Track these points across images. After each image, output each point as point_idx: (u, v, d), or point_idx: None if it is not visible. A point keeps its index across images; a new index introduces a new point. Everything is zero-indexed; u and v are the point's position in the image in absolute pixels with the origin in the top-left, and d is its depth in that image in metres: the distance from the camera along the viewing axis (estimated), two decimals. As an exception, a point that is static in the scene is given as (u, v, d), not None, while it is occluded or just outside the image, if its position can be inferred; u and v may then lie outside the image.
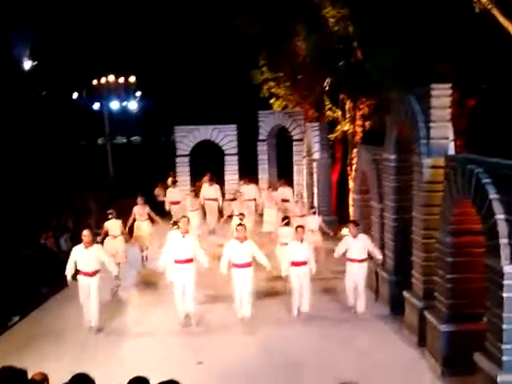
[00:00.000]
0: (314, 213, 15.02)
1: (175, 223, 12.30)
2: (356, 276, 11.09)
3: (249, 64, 22.12)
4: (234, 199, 18.04)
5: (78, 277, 10.62)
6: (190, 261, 10.86)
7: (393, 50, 12.15)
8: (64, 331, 10.65)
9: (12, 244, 14.20)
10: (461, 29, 12.22)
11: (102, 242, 13.65)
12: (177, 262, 10.84)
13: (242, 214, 14.28)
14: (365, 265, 11.20)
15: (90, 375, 4.67)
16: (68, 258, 10.96)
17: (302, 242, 11.08)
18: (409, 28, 12.23)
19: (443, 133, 9.32)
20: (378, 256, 11.27)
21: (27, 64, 35.92)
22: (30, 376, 5.90)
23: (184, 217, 11.59)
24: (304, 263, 10.99)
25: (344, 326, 10.57)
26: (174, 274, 10.95)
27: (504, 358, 6.77)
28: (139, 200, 15.55)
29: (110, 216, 13.98)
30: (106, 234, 13.94)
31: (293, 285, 11.08)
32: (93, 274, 10.56)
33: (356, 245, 11.05)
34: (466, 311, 8.29)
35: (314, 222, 14.51)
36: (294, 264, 10.98)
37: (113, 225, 13.90)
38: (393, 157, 10.90)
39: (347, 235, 11.68)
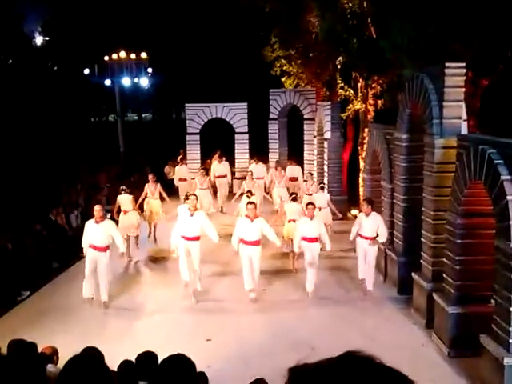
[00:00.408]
0: (323, 188, 14.98)
1: (187, 197, 12.35)
2: (366, 253, 11.06)
3: (261, 41, 21.91)
4: (243, 178, 18.03)
5: (88, 250, 10.69)
6: (196, 238, 10.95)
7: (407, 26, 11.94)
8: (74, 306, 10.73)
9: (24, 219, 14.29)
10: (477, 7, 11.99)
11: (115, 217, 13.79)
12: (184, 238, 10.92)
13: (250, 192, 14.27)
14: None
15: (99, 349, 4.70)
16: (78, 234, 11.06)
17: (312, 219, 11.06)
18: (424, 4, 12.01)
19: (456, 112, 9.20)
20: (383, 238, 11.06)
21: (39, 40, 35.84)
22: (39, 350, 5.98)
23: (193, 195, 11.61)
24: (315, 239, 10.99)
25: (353, 306, 10.57)
26: (180, 249, 11.02)
27: (511, 340, 6.75)
28: (150, 177, 15.58)
29: (122, 191, 14.06)
30: (119, 210, 14.03)
31: (306, 260, 11.09)
32: (102, 249, 10.61)
33: (368, 223, 10.99)
34: (474, 293, 8.26)
35: (323, 198, 14.49)
36: (306, 240, 10.99)
37: (125, 200, 13.98)
38: (404, 136, 10.79)
39: (360, 213, 11.63)
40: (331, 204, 14.67)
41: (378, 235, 10.97)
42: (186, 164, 20.75)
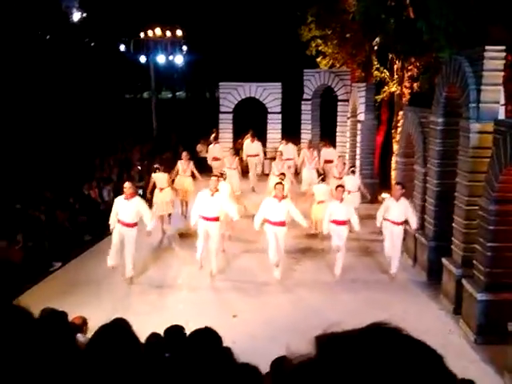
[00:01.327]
0: (353, 172, 14.87)
1: (221, 175, 12.52)
2: (393, 237, 11.00)
3: (297, 21, 21.69)
4: (274, 158, 18.00)
5: (116, 225, 10.83)
6: (215, 219, 10.99)
7: (446, 8, 11.70)
8: (104, 279, 10.93)
9: (58, 192, 14.54)
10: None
11: (150, 194, 13.94)
12: (203, 218, 10.98)
13: (282, 174, 14.24)
14: (402, 228, 11.10)
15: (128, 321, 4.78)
16: (110, 208, 11.20)
17: (341, 201, 11.03)
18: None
19: (494, 97, 9.02)
20: (414, 225, 11.02)
21: (76, 16, 36.14)
22: (70, 320, 6.11)
23: (220, 175, 11.72)
24: (344, 223, 10.95)
25: (380, 290, 10.53)
26: (199, 228, 11.10)
27: (541, 329, 6.67)
28: (184, 155, 15.68)
29: (157, 170, 14.20)
30: (153, 187, 14.19)
31: (332, 243, 11.08)
32: (131, 225, 10.75)
33: (397, 207, 10.91)
34: (504, 281, 8.16)
35: (353, 182, 14.38)
36: (334, 222, 10.95)
37: (160, 177, 14.14)
38: (440, 120, 10.62)
39: (388, 198, 11.54)
40: (362, 187, 14.54)
41: (406, 221, 10.92)
42: (219, 143, 20.79)
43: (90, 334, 5.59)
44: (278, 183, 11.39)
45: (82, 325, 6.41)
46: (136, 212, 10.82)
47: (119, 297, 10.14)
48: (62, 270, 11.68)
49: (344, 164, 16.24)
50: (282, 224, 10.85)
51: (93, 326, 5.62)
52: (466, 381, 4.57)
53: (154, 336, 5.39)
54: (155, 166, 14.48)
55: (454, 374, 1.01)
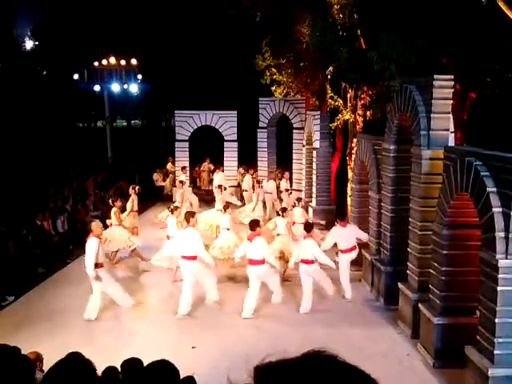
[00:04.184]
0: (299, 200, 15.05)
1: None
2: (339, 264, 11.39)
3: (251, 50, 21.98)
4: (232, 186, 18.12)
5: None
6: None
7: (396, 38, 12.06)
8: (59, 312, 10.66)
9: (10, 224, 14.18)
10: (465, 20, 12.13)
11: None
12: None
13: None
14: (345, 255, 11.47)
15: (84, 355, 4.66)
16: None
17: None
18: (413, 17, 12.14)
19: (444, 124, 9.28)
20: (365, 236, 11.91)
21: (29, 44, 35.72)
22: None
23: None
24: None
25: (338, 316, 10.57)
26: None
27: (496, 351, 6.79)
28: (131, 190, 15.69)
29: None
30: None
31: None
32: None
33: (346, 235, 11.39)
34: (460, 304, 8.30)
35: (299, 213, 14.39)
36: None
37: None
38: (392, 147, 10.86)
39: (335, 227, 11.74)
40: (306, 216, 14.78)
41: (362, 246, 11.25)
42: (223, 171, 20.87)
43: (45, 370, 5.44)
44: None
45: (37, 360, 6.21)
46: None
47: (74, 330, 9.88)
48: (15, 304, 11.33)
49: (290, 195, 16.46)
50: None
51: (48, 361, 5.47)
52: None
53: (110, 369, 5.27)
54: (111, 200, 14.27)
55: None
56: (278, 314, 10.69)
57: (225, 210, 13.98)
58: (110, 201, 14.26)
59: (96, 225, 10.69)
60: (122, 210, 14.67)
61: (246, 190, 20.15)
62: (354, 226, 12.10)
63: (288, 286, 11.74)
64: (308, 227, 11.16)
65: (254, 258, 10.45)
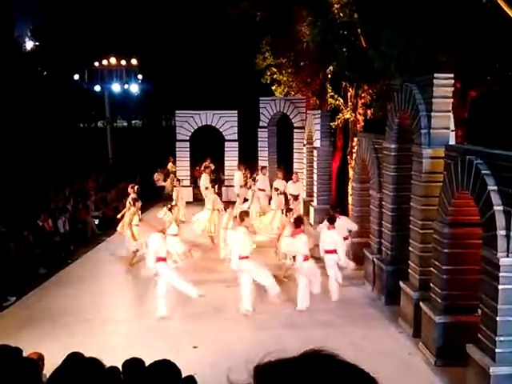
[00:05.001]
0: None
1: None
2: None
3: (252, 49, 21.99)
4: (232, 186, 18.01)
5: None
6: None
7: (397, 37, 12.05)
8: (60, 312, 10.66)
9: (11, 224, 14.19)
10: (465, 18, 12.12)
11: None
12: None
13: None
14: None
15: (85, 355, 4.67)
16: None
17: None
18: (413, 16, 12.12)
19: (444, 123, 9.27)
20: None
21: (29, 44, 35.74)
22: (25, 356, 5.92)
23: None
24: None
25: (340, 315, 10.57)
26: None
27: (497, 349, 6.78)
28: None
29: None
30: None
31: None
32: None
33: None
34: (461, 303, 8.29)
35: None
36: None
37: None
38: (393, 146, 10.85)
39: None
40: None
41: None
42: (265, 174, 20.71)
43: (45, 370, 5.44)
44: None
45: (38, 361, 6.20)
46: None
47: (75, 330, 9.88)
48: (16, 305, 11.34)
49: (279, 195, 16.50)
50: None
51: (49, 361, 5.47)
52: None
53: (111, 370, 5.26)
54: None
55: None
56: (279, 313, 10.69)
57: (225, 210, 14.05)
58: (131, 200, 14.21)
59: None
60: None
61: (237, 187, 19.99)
62: (345, 218, 12.70)
63: (288, 286, 11.72)
64: (331, 219, 11.58)
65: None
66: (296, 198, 17.49)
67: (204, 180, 19.00)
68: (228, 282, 11.53)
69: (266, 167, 20.67)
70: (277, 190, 17.11)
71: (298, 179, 18.43)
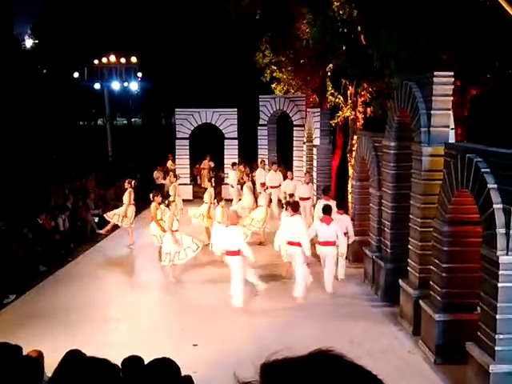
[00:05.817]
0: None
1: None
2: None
3: (251, 47, 21.98)
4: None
5: None
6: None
7: (396, 35, 12.03)
8: (60, 310, 10.66)
9: (11, 222, 14.19)
10: (466, 16, 12.11)
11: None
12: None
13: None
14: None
15: (84, 353, 4.66)
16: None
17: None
18: (413, 14, 12.11)
19: (444, 121, 9.27)
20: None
21: (29, 42, 35.72)
22: (25, 353, 5.92)
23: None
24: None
25: (339, 313, 10.57)
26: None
27: (497, 348, 6.78)
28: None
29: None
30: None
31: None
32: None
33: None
34: (461, 301, 8.30)
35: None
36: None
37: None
38: (393, 144, 10.85)
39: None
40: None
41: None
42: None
43: (45, 368, 5.44)
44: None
45: (38, 358, 6.20)
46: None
47: (75, 328, 9.87)
48: (16, 302, 11.34)
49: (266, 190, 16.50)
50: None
51: (49, 359, 5.46)
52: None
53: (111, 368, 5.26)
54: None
55: None
56: (278, 311, 10.69)
57: (218, 203, 14.09)
58: (151, 196, 14.21)
59: (233, 215, 11.31)
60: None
61: (232, 186, 20.01)
62: (347, 219, 12.57)
63: (287, 284, 11.72)
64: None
65: (329, 239, 11.31)
66: (306, 199, 16.62)
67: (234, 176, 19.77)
68: (227, 280, 11.50)
69: (264, 161, 20.76)
70: (263, 185, 17.07)
71: (311, 180, 17.63)
